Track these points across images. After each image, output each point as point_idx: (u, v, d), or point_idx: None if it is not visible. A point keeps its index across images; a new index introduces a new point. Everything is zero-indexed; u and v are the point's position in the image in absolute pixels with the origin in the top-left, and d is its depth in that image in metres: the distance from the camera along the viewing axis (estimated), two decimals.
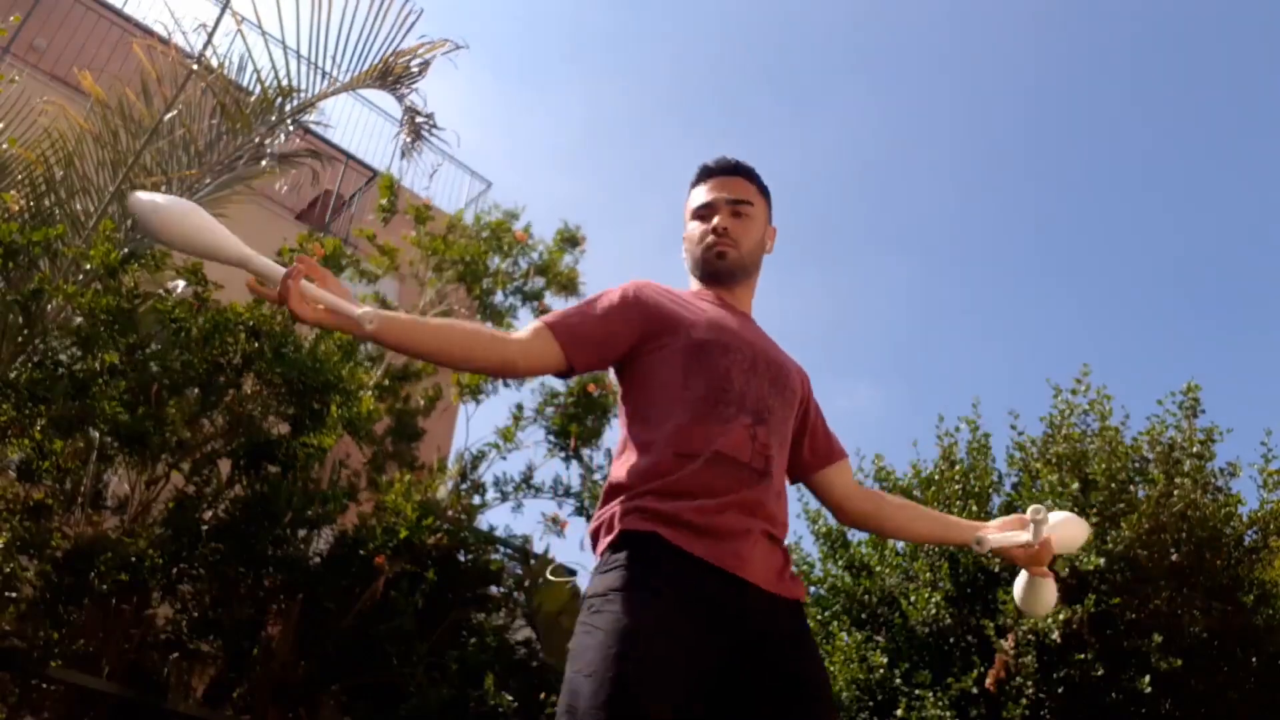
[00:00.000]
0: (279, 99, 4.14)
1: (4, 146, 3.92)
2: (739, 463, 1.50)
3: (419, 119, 4.25)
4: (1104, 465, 5.46)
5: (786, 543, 1.58)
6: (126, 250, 3.69)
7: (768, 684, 1.41)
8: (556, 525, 5.63)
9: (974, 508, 5.67)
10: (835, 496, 1.76)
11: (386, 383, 5.70)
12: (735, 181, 1.78)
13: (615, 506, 1.51)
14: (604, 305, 1.63)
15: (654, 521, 1.44)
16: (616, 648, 1.32)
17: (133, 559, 3.43)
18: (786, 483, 1.68)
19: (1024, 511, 1.65)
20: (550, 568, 4.94)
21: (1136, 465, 5.59)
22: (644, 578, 1.41)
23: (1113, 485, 5.42)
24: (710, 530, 1.45)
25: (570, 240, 6.70)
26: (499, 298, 6.47)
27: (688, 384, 1.56)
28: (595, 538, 1.54)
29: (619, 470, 1.55)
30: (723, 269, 1.75)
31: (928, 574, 5.57)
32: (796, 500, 7.09)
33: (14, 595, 3.42)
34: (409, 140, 4.33)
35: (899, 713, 5.16)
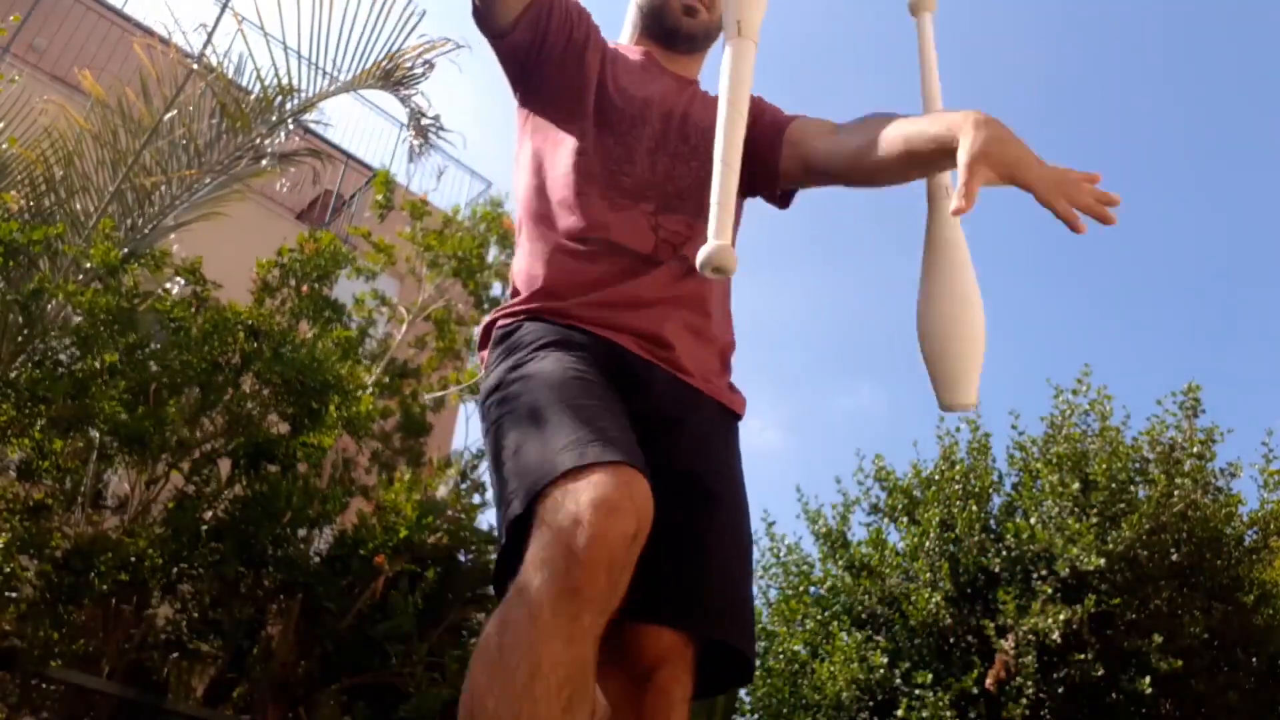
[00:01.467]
0: (279, 98, 4.14)
1: (4, 146, 3.92)
2: (637, 255, 1.31)
3: (425, 120, 4.25)
4: (1104, 465, 5.46)
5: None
6: (126, 250, 3.69)
7: (680, 480, 1.20)
8: None
9: (974, 508, 5.68)
10: (818, 160, 1.35)
11: (388, 380, 5.69)
12: None
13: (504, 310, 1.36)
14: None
15: (552, 315, 1.29)
16: (555, 396, 1.12)
17: (133, 559, 3.43)
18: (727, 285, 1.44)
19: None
20: None
21: (1137, 465, 5.59)
22: (553, 341, 1.23)
23: (1113, 485, 5.42)
24: (613, 323, 1.28)
25: None
26: (496, 290, 6.46)
27: (583, 163, 1.36)
28: (486, 338, 1.37)
29: (513, 274, 1.39)
30: (685, 29, 1.49)
31: (928, 574, 5.57)
32: (796, 501, 7.08)
33: (14, 595, 3.41)
34: (417, 142, 4.33)
35: (899, 713, 5.16)
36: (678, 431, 1.25)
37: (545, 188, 1.38)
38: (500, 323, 1.34)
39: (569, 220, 1.33)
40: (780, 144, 1.39)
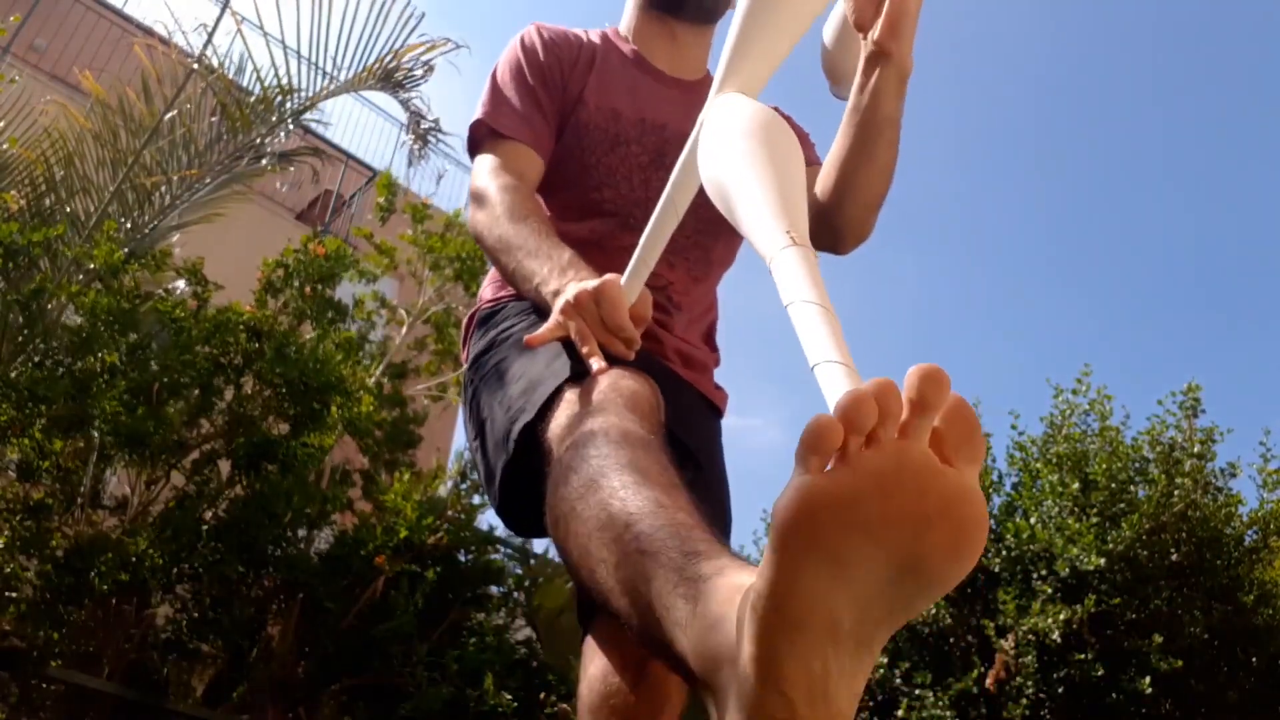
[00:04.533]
0: (279, 98, 4.14)
1: (4, 146, 3.92)
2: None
3: (424, 124, 4.25)
4: (1104, 465, 5.46)
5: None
6: (127, 250, 3.69)
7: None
8: None
9: None
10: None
11: (385, 381, 5.69)
12: None
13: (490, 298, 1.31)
14: (522, 85, 1.30)
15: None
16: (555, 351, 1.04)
17: (133, 559, 3.43)
18: (712, 306, 1.39)
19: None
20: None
21: (1137, 465, 5.59)
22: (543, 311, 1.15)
23: (1113, 485, 5.42)
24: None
25: None
26: None
27: (559, 188, 1.30)
28: (468, 332, 1.32)
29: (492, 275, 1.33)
30: None
31: None
32: None
33: (14, 595, 3.41)
34: (415, 146, 4.33)
35: (899, 713, 5.16)
36: (687, 410, 1.22)
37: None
38: (484, 307, 1.32)
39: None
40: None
